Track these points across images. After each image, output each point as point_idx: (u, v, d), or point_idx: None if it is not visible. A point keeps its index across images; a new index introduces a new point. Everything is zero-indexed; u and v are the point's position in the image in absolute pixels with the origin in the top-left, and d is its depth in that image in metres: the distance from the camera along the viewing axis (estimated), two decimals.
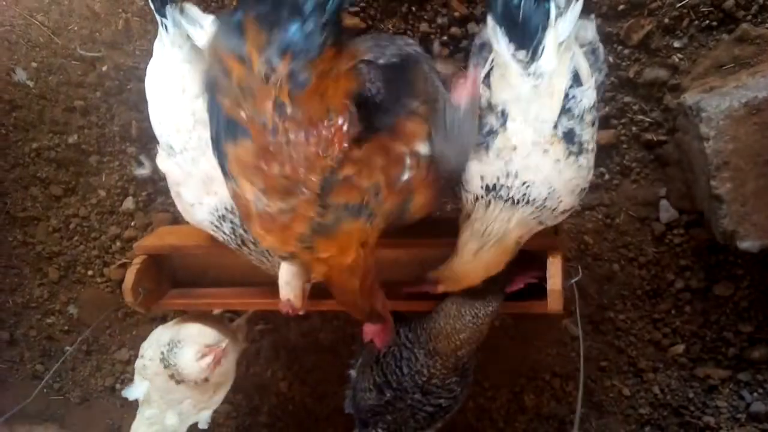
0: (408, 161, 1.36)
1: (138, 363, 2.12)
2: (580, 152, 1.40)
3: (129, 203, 2.53)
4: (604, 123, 1.96)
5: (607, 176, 2.04)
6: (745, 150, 1.70)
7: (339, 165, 1.28)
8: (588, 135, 1.41)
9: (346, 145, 1.28)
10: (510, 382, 2.38)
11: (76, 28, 2.26)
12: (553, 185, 1.42)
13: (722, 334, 2.09)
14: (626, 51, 1.88)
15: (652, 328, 2.15)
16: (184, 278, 2.14)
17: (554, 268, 1.66)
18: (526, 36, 1.33)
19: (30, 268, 2.78)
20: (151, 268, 2.07)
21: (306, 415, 2.67)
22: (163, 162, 1.78)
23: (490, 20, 1.37)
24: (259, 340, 2.62)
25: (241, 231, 1.71)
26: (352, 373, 1.99)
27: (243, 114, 1.27)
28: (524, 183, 1.42)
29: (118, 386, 2.87)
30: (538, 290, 1.70)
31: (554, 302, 1.65)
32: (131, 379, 2.84)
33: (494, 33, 1.36)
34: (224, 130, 1.32)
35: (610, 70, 1.90)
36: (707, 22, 1.81)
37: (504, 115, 1.40)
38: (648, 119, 1.94)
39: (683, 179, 1.95)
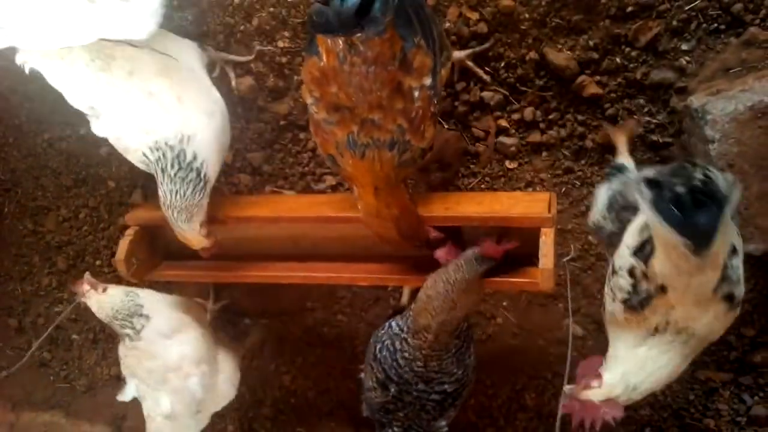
0: (416, 94, 1.57)
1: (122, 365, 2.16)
2: (736, 306, 1.46)
3: (137, 195, 2.55)
4: (610, 122, 1.97)
5: None
6: (749, 153, 1.70)
7: (370, 108, 1.56)
8: (742, 290, 1.46)
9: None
10: (511, 381, 2.39)
11: None
12: (713, 331, 1.49)
13: (724, 337, 2.08)
14: (634, 53, 1.89)
15: None
16: (177, 250, 2.14)
17: (547, 246, 1.64)
18: (698, 235, 1.25)
19: (39, 256, 2.82)
20: (144, 240, 2.11)
21: (309, 408, 2.69)
22: (96, 128, 1.86)
23: (651, 213, 1.27)
24: (263, 335, 2.64)
25: (167, 163, 1.78)
26: (362, 376, 2.00)
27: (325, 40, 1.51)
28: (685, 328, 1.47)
29: (123, 375, 2.90)
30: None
31: (546, 281, 1.64)
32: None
33: (659, 224, 1.27)
34: (308, 46, 1.64)
35: (619, 71, 1.92)
36: (715, 25, 1.81)
37: (664, 288, 1.42)
38: (654, 121, 1.94)
39: None
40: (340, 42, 1.47)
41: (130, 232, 2.08)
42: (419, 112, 1.59)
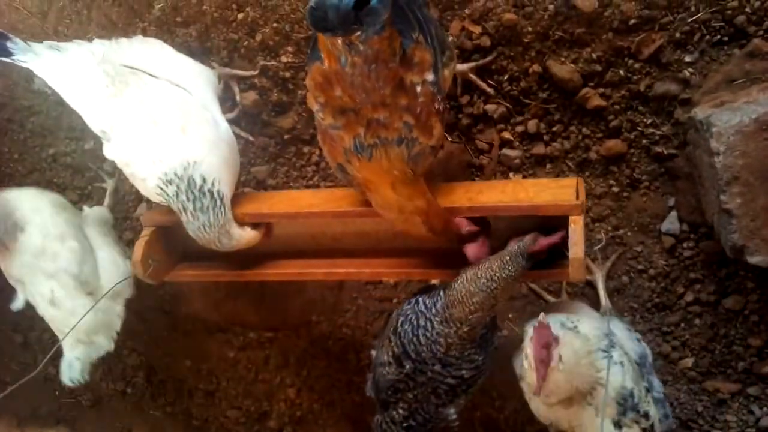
0: (419, 89, 1.56)
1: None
2: None
3: (143, 209, 2.56)
4: (614, 134, 1.98)
5: (616, 188, 2.05)
6: (755, 165, 1.70)
7: (374, 108, 1.55)
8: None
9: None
10: (518, 393, 2.38)
11: (94, 37, 2.30)
12: None
13: (732, 348, 2.08)
14: (637, 65, 1.89)
15: (662, 341, 2.15)
16: (194, 250, 2.10)
17: (577, 235, 1.56)
18: None
19: None
20: (159, 240, 2.09)
21: (314, 421, 2.68)
22: (107, 152, 1.90)
23: None
24: (268, 348, 2.64)
25: (183, 197, 1.80)
26: (373, 352, 1.96)
27: (326, 43, 1.51)
28: None
29: (129, 390, 2.90)
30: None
31: (576, 271, 1.56)
32: (142, 384, 2.90)
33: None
34: (311, 53, 1.64)
35: (622, 84, 1.93)
36: (719, 36, 1.82)
37: None
38: (659, 132, 1.94)
39: (693, 193, 1.95)
40: (340, 43, 1.46)
41: (145, 233, 2.06)
42: (424, 107, 1.58)
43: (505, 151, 2.10)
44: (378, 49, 1.46)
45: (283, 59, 2.17)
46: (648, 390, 1.72)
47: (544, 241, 1.64)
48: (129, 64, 1.87)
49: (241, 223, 1.90)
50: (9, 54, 1.83)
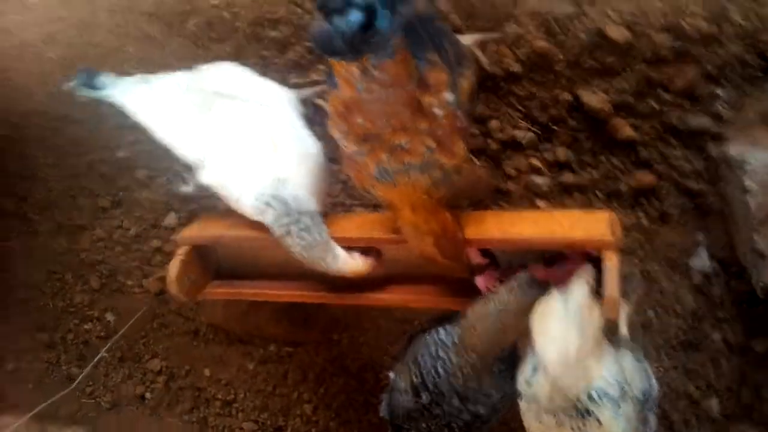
0: (438, 111, 1.53)
1: None
2: None
3: (171, 218, 2.61)
4: (644, 166, 1.94)
5: (645, 221, 2.01)
6: None
7: (395, 133, 1.54)
8: None
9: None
10: None
11: (131, 50, 2.37)
12: None
13: (759, 392, 2.01)
14: (669, 97, 1.86)
15: (687, 381, 2.09)
16: (227, 268, 2.11)
17: (611, 273, 1.49)
18: None
19: (72, 274, 2.89)
20: (194, 259, 2.08)
21: None
22: (203, 177, 1.87)
23: None
24: (287, 362, 2.65)
25: (284, 220, 1.77)
26: (392, 374, 1.93)
27: (341, 70, 1.51)
28: None
29: (147, 395, 2.94)
30: None
31: (610, 310, 1.48)
32: (161, 389, 2.93)
33: None
34: (328, 80, 1.62)
35: (654, 115, 1.89)
36: (753, 72, 1.77)
37: None
38: (690, 167, 1.90)
39: (724, 229, 1.90)
40: (355, 69, 1.47)
41: (181, 252, 2.05)
42: (445, 129, 1.56)
43: (533, 177, 2.08)
44: (393, 74, 1.45)
45: (314, 77, 2.19)
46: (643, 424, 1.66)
47: (543, 271, 1.64)
48: (213, 89, 1.88)
49: (348, 249, 1.86)
50: (100, 88, 1.86)
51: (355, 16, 1.39)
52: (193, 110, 1.84)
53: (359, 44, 1.39)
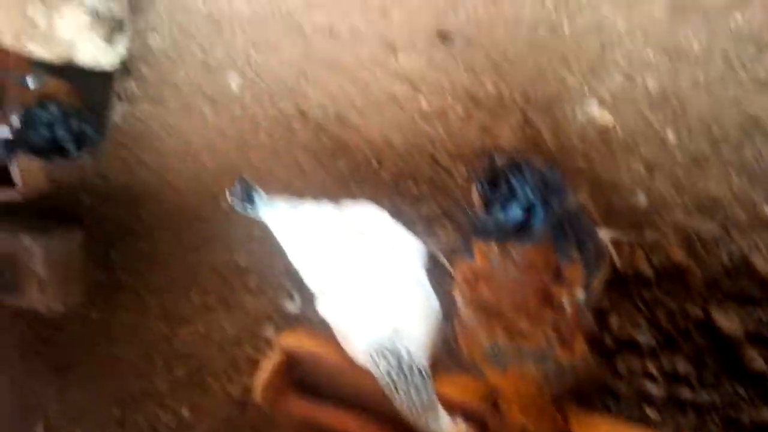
0: (567, 306, 1.54)
1: None
2: None
3: (270, 331, 2.67)
4: None
5: None
6: None
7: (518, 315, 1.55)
8: None
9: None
10: None
11: (279, 175, 2.56)
12: None
13: None
14: None
15: None
16: (311, 385, 2.07)
17: None
18: None
19: (163, 360, 2.96)
20: (285, 368, 2.05)
21: None
22: (320, 307, 1.93)
23: None
24: None
25: (395, 375, 1.74)
26: None
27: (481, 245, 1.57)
28: None
29: None
30: None
31: None
32: None
33: None
34: (462, 248, 1.68)
35: None
36: None
37: None
38: None
39: None
40: (495, 246, 1.51)
41: (275, 358, 2.04)
42: (569, 324, 1.55)
43: (646, 383, 2.00)
44: (531, 259, 1.50)
45: (440, 232, 2.27)
46: None
47: None
48: (352, 225, 1.96)
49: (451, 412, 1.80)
50: (253, 204, 1.98)
51: (516, 213, 1.47)
52: (329, 241, 1.92)
53: (511, 235, 1.46)
